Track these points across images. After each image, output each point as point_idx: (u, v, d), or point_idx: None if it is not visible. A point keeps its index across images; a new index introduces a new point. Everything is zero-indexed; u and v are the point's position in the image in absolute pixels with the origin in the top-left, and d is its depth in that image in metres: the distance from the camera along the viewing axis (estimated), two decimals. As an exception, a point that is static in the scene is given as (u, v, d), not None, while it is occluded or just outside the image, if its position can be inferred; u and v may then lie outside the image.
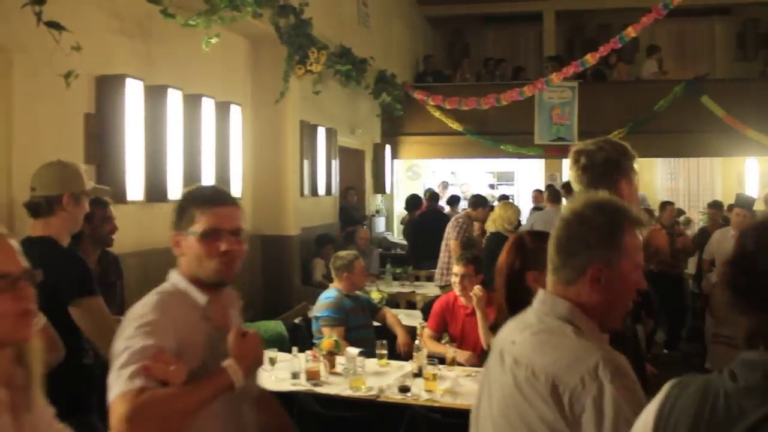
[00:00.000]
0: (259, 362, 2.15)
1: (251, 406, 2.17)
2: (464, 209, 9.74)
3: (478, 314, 4.82)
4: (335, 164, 9.63)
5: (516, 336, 1.85)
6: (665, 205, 9.16)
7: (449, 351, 4.82)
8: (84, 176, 3.36)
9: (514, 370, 1.77)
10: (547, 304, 1.83)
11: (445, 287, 7.55)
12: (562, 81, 11.12)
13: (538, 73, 12.77)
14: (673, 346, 8.46)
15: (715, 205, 9.36)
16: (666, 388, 1.33)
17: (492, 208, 8.17)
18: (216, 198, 2.13)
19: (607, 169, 2.69)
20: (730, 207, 8.06)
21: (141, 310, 2.00)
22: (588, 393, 1.62)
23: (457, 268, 5.13)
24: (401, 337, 5.35)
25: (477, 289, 4.86)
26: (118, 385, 1.85)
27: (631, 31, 9.97)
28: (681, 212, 11.38)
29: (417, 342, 4.77)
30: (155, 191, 5.66)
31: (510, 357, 1.81)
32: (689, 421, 1.21)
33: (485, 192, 12.77)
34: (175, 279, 2.12)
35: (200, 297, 2.09)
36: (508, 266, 2.52)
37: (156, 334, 1.92)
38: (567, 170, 12.84)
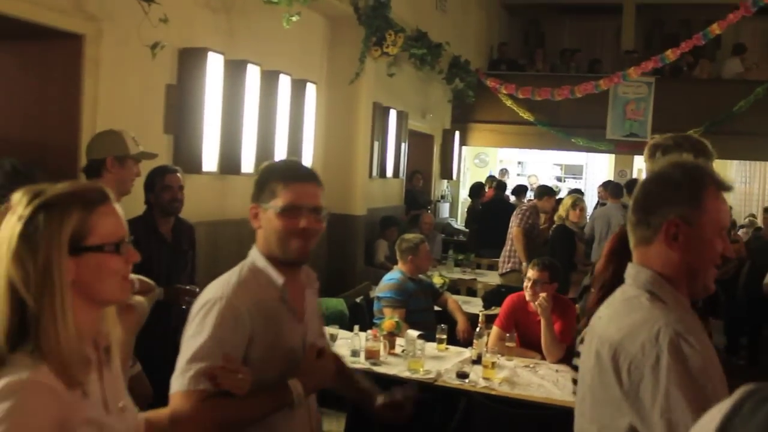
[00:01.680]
0: (326, 384, 2.14)
1: (305, 415, 2.14)
2: (530, 200, 9.67)
3: (543, 324, 4.60)
4: (404, 147, 9.67)
5: (602, 311, 1.84)
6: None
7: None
8: (129, 141, 3.68)
9: (597, 345, 1.74)
10: (630, 276, 1.80)
11: (507, 274, 7.54)
12: (639, 76, 10.92)
13: (614, 67, 12.54)
14: (735, 353, 8.26)
15: None
16: (738, 395, 1.11)
17: (559, 199, 8.09)
18: (299, 174, 2.12)
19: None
20: None
21: (220, 291, 2.00)
22: (647, 360, 1.57)
23: (531, 272, 4.85)
24: (461, 323, 5.37)
25: (542, 298, 4.62)
26: (183, 381, 1.90)
27: (716, 28, 9.72)
28: (752, 219, 11.09)
29: (477, 329, 4.79)
30: (229, 164, 5.78)
31: (594, 333, 1.80)
32: None
33: (552, 183, 12.64)
34: (255, 256, 2.12)
35: (278, 277, 2.07)
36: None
37: (230, 327, 1.94)
38: (636, 166, 12.68)
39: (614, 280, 2.46)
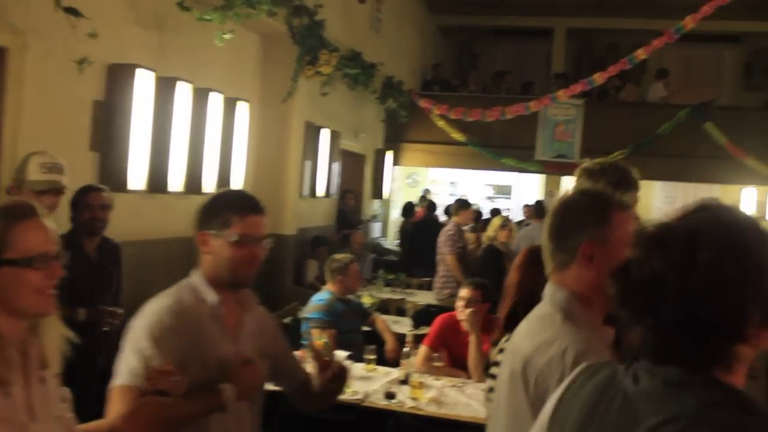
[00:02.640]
0: (255, 390, 2.26)
1: (242, 420, 2.27)
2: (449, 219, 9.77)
3: (472, 340, 4.65)
4: (336, 167, 9.68)
5: (521, 326, 1.94)
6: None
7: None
8: (32, 168, 3.56)
9: (511, 358, 1.85)
10: (548, 295, 1.90)
11: (445, 299, 7.54)
12: (568, 98, 11.19)
13: (544, 89, 12.83)
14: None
15: None
16: (575, 372, 1.39)
17: (478, 212, 8.20)
18: (253, 207, 2.25)
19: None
20: None
21: (156, 313, 2.14)
22: (553, 375, 1.67)
23: (464, 292, 4.90)
24: (390, 344, 5.39)
25: (469, 312, 4.68)
26: (123, 376, 2.05)
27: (641, 53, 10.03)
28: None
29: (405, 349, 4.81)
30: (157, 182, 5.69)
31: (511, 347, 1.91)
32: (583, 412, 1.26)
33: (483, 204, 12.82)
34: (194, 277, 2.27)
35: (213, 297, 2.22)
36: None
37: (166, 339, 2.09)
38: (564, 187, 12.92)
39: (522, 291, 2.61)
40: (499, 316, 2.73)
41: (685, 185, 14.09)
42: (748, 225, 1.23)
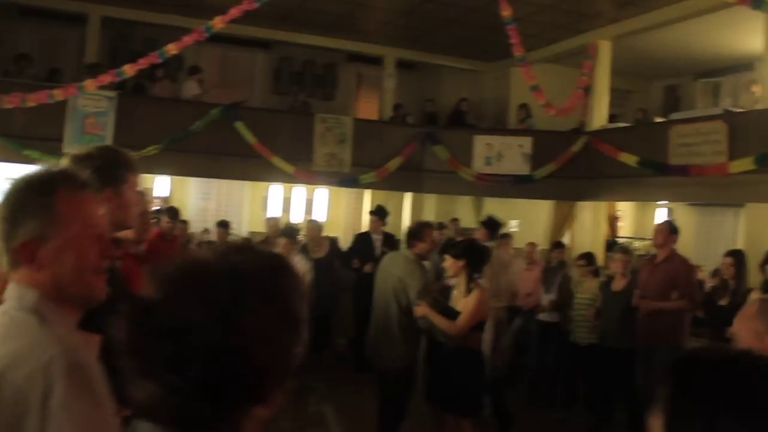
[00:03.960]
0: None
1: None
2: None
3: None
4: None
5: None
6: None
7: None
8: None
9: None
10: (13, 298, 1.56)
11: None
12: (99, 90, 10.68)
13: (77, 78, 12.09)
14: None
15: (221, 225, 9.74)
16: None
17: None
18: None
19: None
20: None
21: None
22: (34, 391, 1.37)
23: None
24: None
25: None
26: None
27: (172, 48, 9.95)
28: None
29: None
30: None
31: None
32: None
33: None
34: None
35: None
36: None
37: None
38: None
39: None
40: None
41: (220, 182, 14.54)
42: (291, 273, 1.06)
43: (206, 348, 0.95)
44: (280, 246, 8.21)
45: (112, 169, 2.53)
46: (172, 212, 8.26)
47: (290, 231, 9.19)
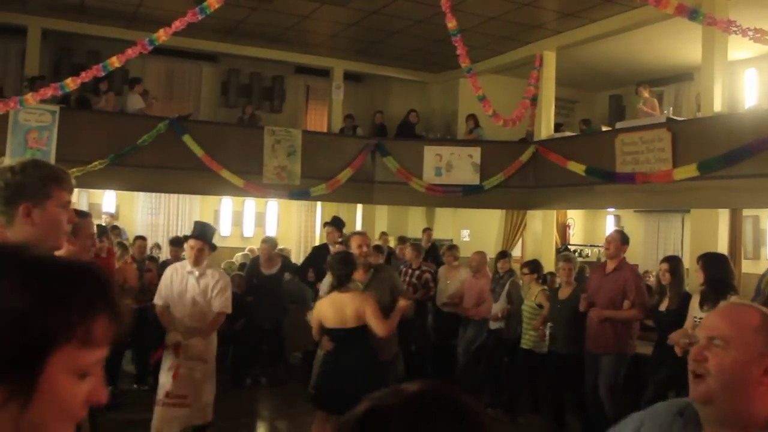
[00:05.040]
0: None
1: None
2: None
3: None
4: None
5: None
6: (136, 239, 9.13)
7: None
8: None
9: None
10: None
11: None
12: (40, 103, 10.45)
13: (18, 92, 11.82)
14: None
15: (174, 242, 9.54)
16: None
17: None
18: None
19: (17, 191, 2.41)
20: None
21: None
22: None
23: None
24: None
25: None
26: None
27: (115, 61, 9.77)
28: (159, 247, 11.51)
29: None
30: None
31: None
32: None
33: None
34: None
35: None
36: None
37: None
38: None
39: None
40: None
41: (169, 196, 14.33)
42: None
43: None
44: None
45: (31, 184, 2.43)
46: (101, 230, 8.05)
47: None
